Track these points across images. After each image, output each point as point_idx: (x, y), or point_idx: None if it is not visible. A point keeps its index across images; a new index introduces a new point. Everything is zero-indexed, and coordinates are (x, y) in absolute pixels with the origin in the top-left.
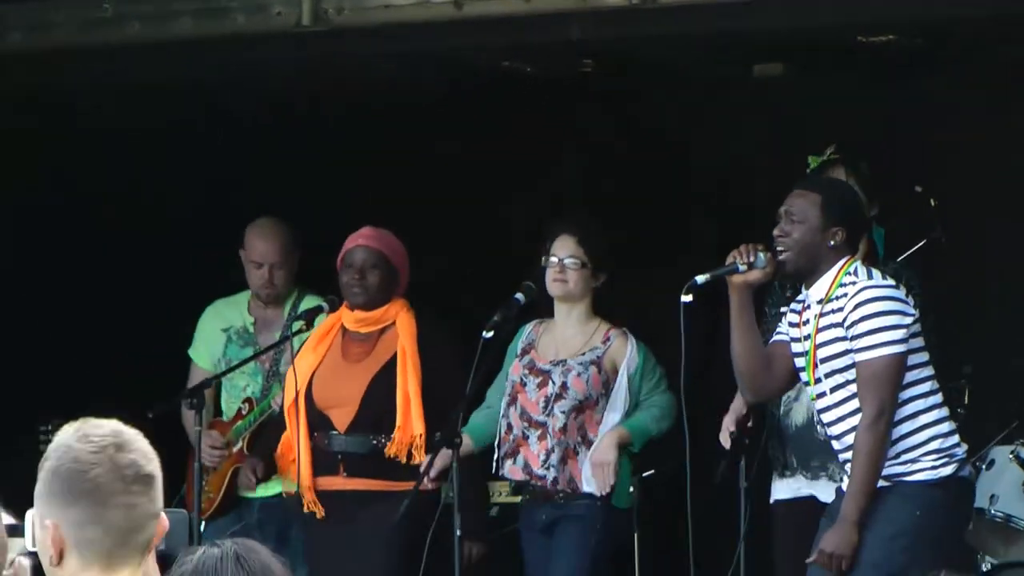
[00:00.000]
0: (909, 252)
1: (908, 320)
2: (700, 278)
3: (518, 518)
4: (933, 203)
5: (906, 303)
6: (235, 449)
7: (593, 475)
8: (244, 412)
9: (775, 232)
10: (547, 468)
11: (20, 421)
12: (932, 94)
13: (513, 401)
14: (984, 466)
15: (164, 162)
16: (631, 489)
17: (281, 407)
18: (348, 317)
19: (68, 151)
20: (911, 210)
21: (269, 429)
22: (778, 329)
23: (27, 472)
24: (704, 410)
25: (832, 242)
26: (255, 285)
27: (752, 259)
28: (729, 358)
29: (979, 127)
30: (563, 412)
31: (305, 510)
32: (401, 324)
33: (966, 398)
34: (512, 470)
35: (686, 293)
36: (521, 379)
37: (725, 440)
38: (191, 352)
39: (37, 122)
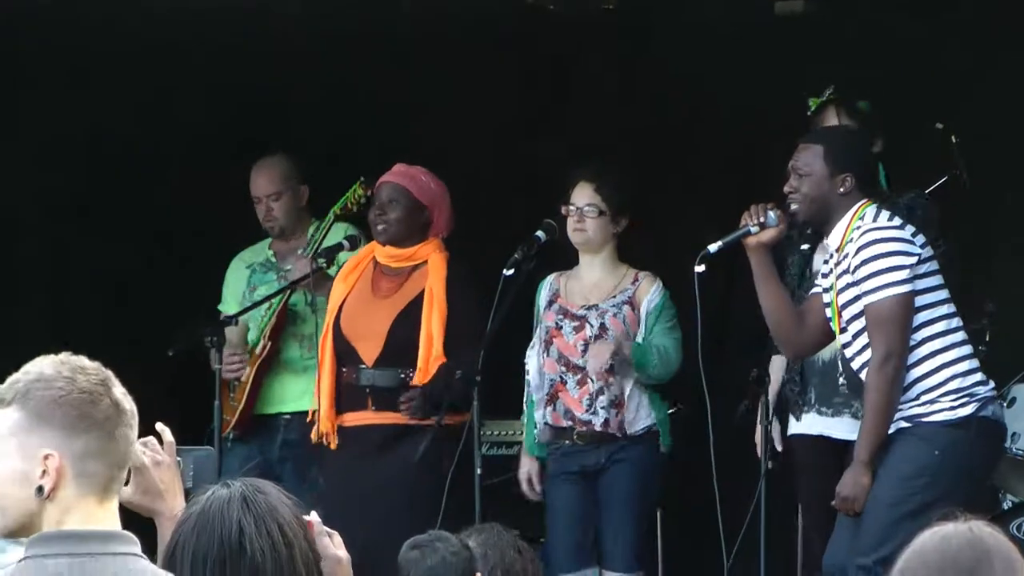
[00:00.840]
0: (931, 188)
1: (911, 260)
2: (713, 247)
3: (547, 465)
4: (954, 140)
5: (910, 242)
6: (259, 352)
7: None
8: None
9: (785, 189)
10: (593, 412)
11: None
12: (957, 25)
13: (548, 347)
14: (1006, 404)
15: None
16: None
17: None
18: (381, 252)
19: None
20: (937, 147)
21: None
22: (816, 282)
23: None
24: (722, 376)
25: (841, 189)
26: (261, 221)
27: (763, 219)
28: (744, 322)
29: (1002, 60)
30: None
31: (324, 443)
32: (432, 264)
33: (987, 336)
34: (553, 416)
35: (699, 263)
36: (556, 324)
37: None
38: (221, 307)
39: None
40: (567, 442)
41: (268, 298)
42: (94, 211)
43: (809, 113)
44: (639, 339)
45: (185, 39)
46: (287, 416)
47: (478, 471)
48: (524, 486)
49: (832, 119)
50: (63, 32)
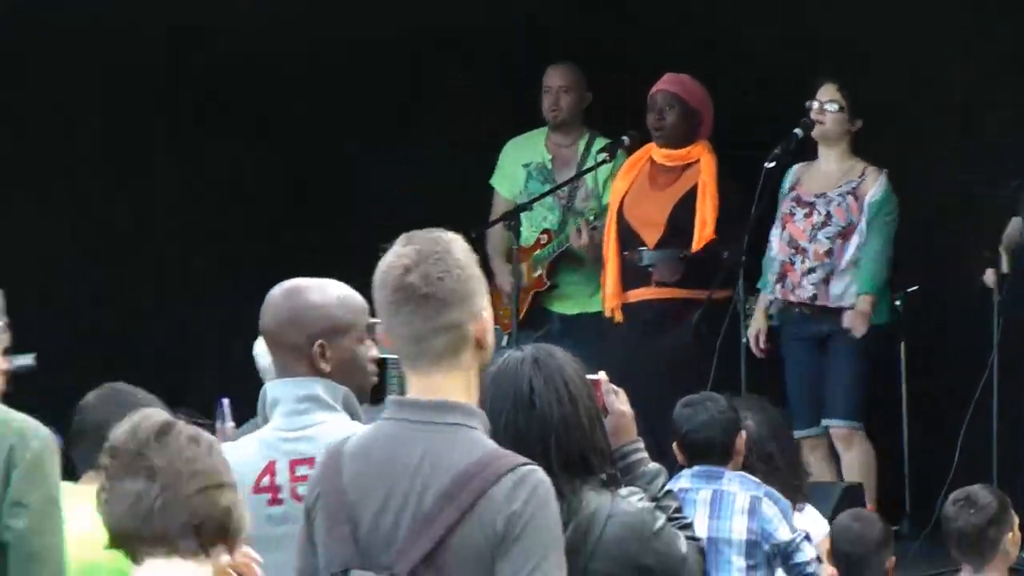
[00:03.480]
0: None
1: None
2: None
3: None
4: None
5: None
6: (535, 276)
7: (851, 323)
8: (543, 242)
9: None
10: (810, 286)
11: None
12: None
13: (781, 230)
14: None
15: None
16: (896, 303)
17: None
18: (657, 153)
19: None
20: None
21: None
22: None
23: None
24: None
25: None
26: (544, 111)
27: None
28: None
29: None
30: (827, 238)
31: (610, 316)
32: (704, 162)
33: None
34: (783, 292)
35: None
36: (790, 210)
37: None
38: (493, 181)
39: None
40: (796, 311)
41: (537, 198)
42: None
43: None
44: (860, 226)
45: None
46: (560, 314)
47: (743, 340)
48: (752, 343)
49: None
50: None
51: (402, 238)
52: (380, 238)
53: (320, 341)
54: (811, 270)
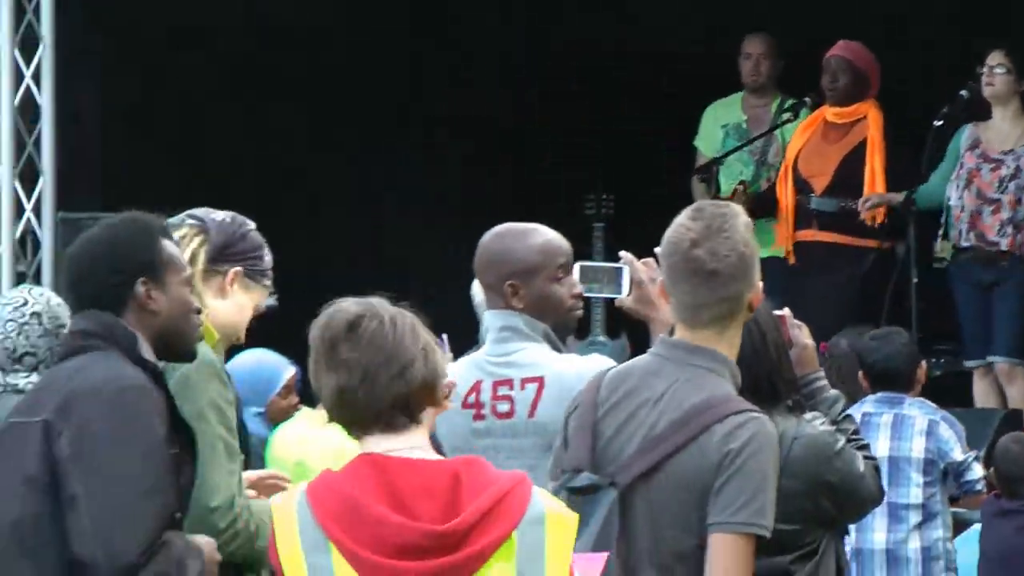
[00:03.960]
0: None
1: None
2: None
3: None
4: None
5: None
6: None
7: None
8: (739, 192)
9: None
10: (1001, 235)
11: None
12: None
13: (968, 185)
14: None
15: None
16: None
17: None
18: (829, 112)
19: None
20: None
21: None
22: None
23: None
24: None
25: None
26: (744, 75)
27: None
28: None
29: None
30: (1019, 188)
31: (784, 257)
32: (872, 118)
33: None
34: (963, 238)
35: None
36: (976, 166)
37: None
38: (696, 142)
39: None
40: (970, 256)
41: (728, 153)
42: None
43: None
44: None
45: None
46: None
47: (914, 280)
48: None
49: None
50: None
51: (690, 210)
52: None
53: (511, 281)
54: (1004, 219)
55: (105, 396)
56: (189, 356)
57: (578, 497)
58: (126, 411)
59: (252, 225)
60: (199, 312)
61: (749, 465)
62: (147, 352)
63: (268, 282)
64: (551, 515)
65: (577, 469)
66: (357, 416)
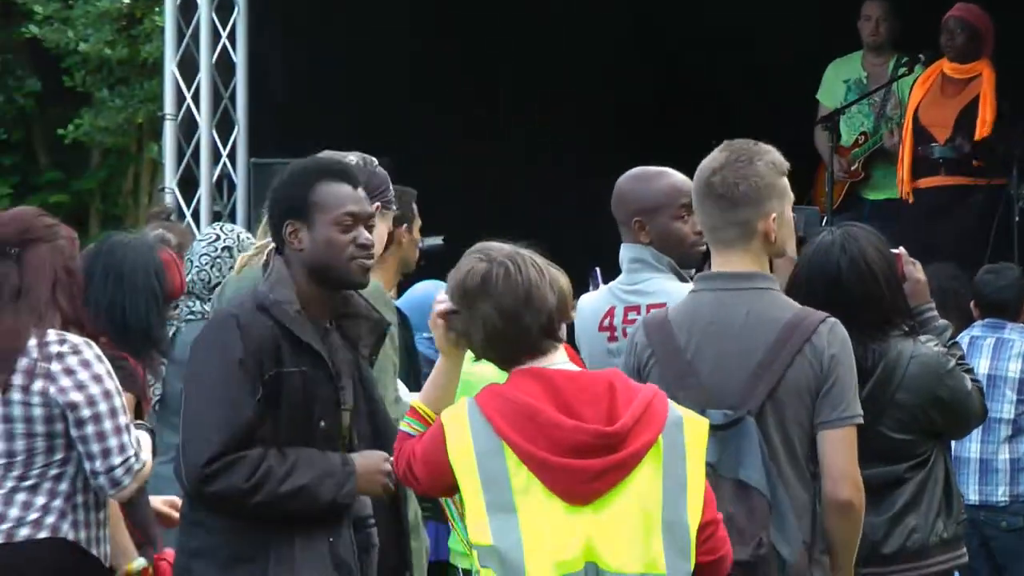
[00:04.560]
0: None
1: None
2: None
3: None
4: None
5: None
6: (852, 168)
7: None
8: (860, 142)
9: None
10: None
11: None
12: None
13: None
14: None
15: None
16: None
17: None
18: (947, 67)
19: None
20: None
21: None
22: None
23: None
24: None
25: None
26: (864, 36)
27: None
28: None
29: None
30: None
31: (905, 199)
32: (985, 76)
33: None
34: None
35: None
36: None
37: None
38: (818, 95)
39: None
40: None
41: (849, 105)
42: None
43: None
44: None
45: None
46: (873, 201)
47: (1015, 219)
48: None
49: None
50: None
51: (724, 143)
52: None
53: (637, 218)
54: None
55: (209, 326)
56: (350, 285)
57: (717, 433)
58: (209, 338)
59: (377, 162)
60: (361, 247)
61: (845, 364)
62: (273, 284)
63: (395, 208)
64: (688, 420)
65: (701, 409)
66: (507, 352)
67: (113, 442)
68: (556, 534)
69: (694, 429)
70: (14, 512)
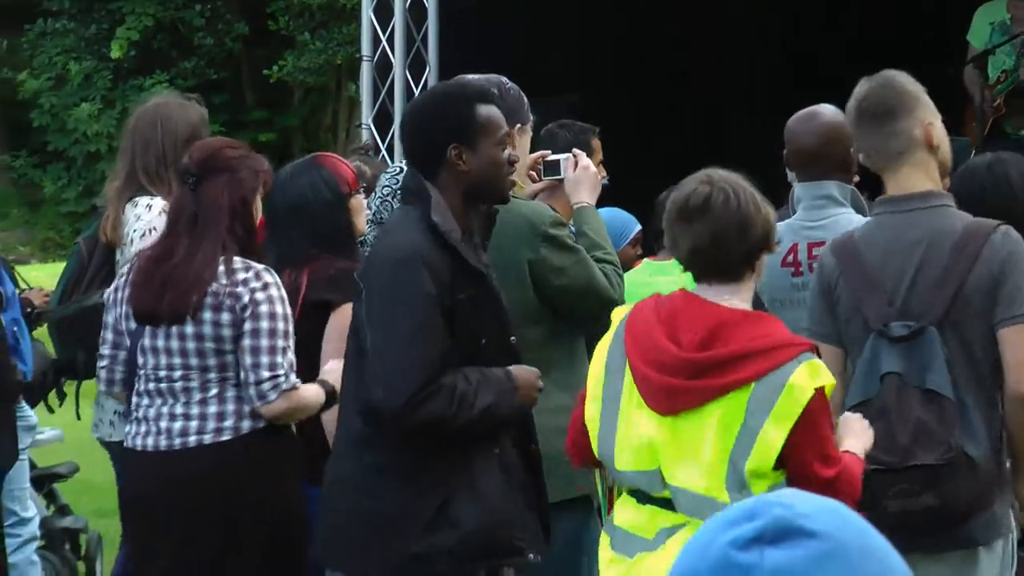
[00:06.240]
0: None
1: None
2: None
3: None
4: None
5: None
6: (995, 104)
7: None
8: (1002, 80)
9: None
10: None
11: None
12: None
13: None
14: None
15: None
16: None
17: None
18: None
19: None
20: None
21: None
22: None
23: None
24: None
25: None
26: None
27: None
28: None
29: None
30: None
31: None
32: None
33: None
34: None
35: None
36: None
37: None
38: (968, 37)
39: None
40: None
41: (997, 46)
42: None
43: None
44: None
45: None
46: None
47: None
48: None
49: None
50: None
51: (864, 78)
52: None
53: (851, 152)
54: None
55: (387, 263)
56: (502, 200)
57: (901, 344)
58: (399, 277)
59: (511, 84)
60: (511, 164)
61: (1020, 266)
62: (440, 213)
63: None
64: (795, 385)
65: (885, 323)
66: (707, 269)
67: (265, 359)
68: (639, 434)
69: (795, 394)
70: (212, 417)
